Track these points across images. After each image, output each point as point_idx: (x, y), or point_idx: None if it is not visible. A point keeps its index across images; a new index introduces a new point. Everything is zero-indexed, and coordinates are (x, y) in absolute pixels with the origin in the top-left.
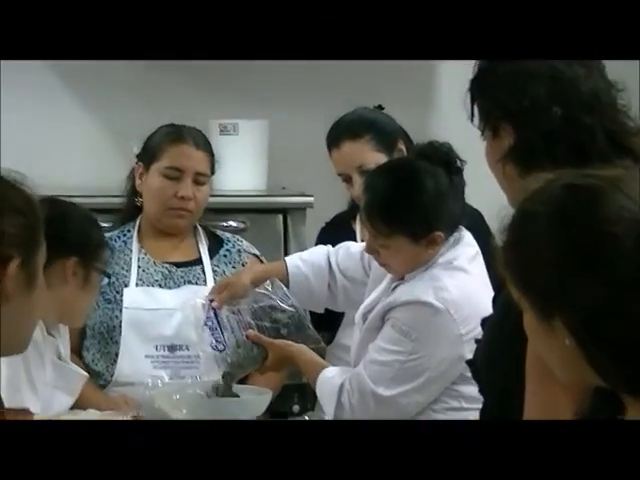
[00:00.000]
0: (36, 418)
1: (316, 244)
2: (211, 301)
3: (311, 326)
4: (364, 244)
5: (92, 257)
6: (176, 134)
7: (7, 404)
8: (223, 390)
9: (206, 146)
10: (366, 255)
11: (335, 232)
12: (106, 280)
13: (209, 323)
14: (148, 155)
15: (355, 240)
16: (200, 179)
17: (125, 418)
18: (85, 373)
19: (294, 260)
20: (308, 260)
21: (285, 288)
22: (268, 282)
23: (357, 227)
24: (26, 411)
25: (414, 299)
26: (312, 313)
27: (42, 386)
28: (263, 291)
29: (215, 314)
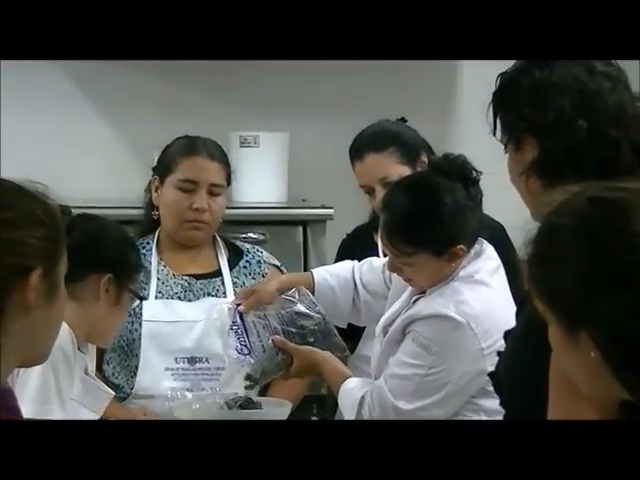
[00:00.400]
0: None
1: (337, 256)
2: (238, 305)
3: (337, 334)
4: (386, 259)
5: (126, 277)
6: (189, 146)
7: (33, 415)
8: (243, 402)
9: (221, 157)
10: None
11: (356, 244)
12: (136, 302)
13: (235, 327)
14: (163, 168)
15: (377, 252)
16: (215, 190)
17: None
18: (111, 392)
19: (321, 272)
20: (335, 273)
21: (312, 296)
22: (294, 290)
23: (379, 239)
24: None
25: (435, 313)
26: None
27: (69, 401)
28: (290, 298)
29: (241, 318)
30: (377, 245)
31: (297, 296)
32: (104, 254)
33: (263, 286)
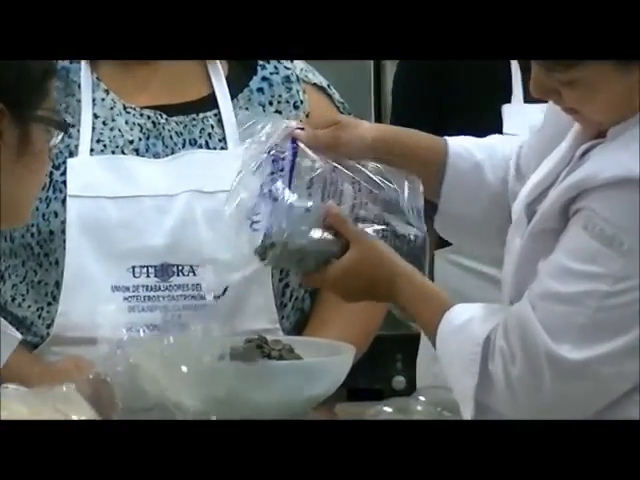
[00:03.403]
0: None
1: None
2: (300, 129)
3: (427, 270)
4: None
5: (27, 99)
6: None
7: None
8: (261, 346)
9: None
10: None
11: None
12: (58, 138)
13: (277, 153)
14: None
15: None
16: None
17: (71, 389)
18: (17, 334)
19: (459, 140)
20: (484, 142)
21: (421, 201)
22: (411, 177)
23: None
24: None
25: (627, 175)
26: None
27: None
28: (378, 179)
29: (295, 145)
30: None
31: (409, 181)
32: None
33: (356, 124)
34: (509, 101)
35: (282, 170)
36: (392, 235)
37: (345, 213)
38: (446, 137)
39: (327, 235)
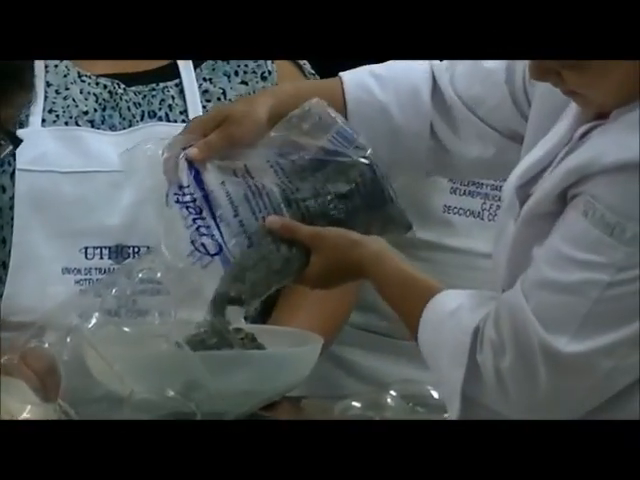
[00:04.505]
0: None
1: None
2: (185, 149)
3: (395, 195)
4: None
5: None
6: None
7: None
8: (222, 335)
9: None
10: (518, 77)
11: None
12: (6, 152)
13: (186, 199)
14: None
15: None
16: None
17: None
18: None
19: (360, 75)
20: (389, 75)
21: (342, 117)
22: (304, 107)
23: None
24: None
25: (630, 159)
26: None
27: None
28: (295, 122)
29: (198, 178)
30: None
31: (309, 118)
32: None
33: (243, 108)
34: None
35: (200, 213)
36: (339, 197)
37: (286, 214)
38: (343, 75)
39: (282, 249)
